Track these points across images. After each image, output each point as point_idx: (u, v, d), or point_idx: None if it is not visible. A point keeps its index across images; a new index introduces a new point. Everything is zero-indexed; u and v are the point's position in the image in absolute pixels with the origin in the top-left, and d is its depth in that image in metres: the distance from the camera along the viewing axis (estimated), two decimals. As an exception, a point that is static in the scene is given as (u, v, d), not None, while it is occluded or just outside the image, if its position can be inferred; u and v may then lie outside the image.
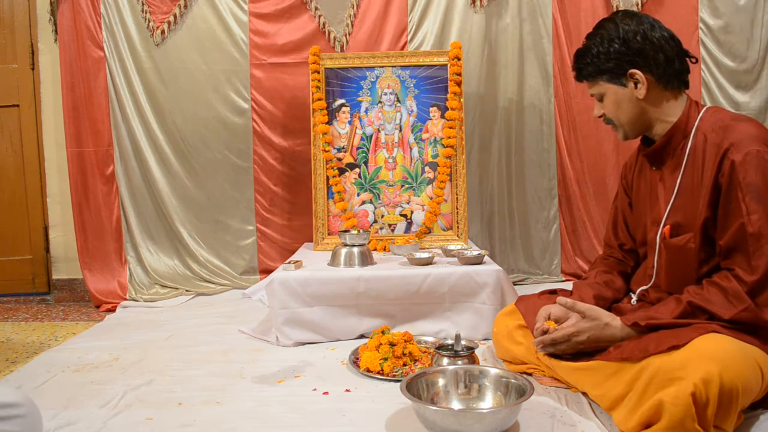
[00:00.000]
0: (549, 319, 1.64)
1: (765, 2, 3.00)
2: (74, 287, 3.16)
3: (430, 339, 2.14)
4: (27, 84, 3.13)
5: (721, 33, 2.99)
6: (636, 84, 1.55)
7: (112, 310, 2.89)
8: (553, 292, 1.83)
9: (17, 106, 3.15)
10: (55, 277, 3.18)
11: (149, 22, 3.00)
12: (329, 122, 2.79)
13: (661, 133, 1.59)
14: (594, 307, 1.55)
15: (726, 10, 2.99)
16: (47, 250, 3.20)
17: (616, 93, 1.58)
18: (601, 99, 1.62)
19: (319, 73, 2.77)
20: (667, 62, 1.54)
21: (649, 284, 1.65)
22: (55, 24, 3.00)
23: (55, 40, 3.01)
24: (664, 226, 1.57)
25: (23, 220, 3.21)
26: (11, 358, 2.20)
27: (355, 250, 2.37)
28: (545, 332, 1.61)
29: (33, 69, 3.12)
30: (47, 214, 3.16)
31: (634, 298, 1.69)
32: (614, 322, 1.50)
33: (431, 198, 2.76)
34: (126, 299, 2.97)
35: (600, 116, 1.65)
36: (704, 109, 1.56)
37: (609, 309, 1.65)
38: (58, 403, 1.70)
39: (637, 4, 2.97)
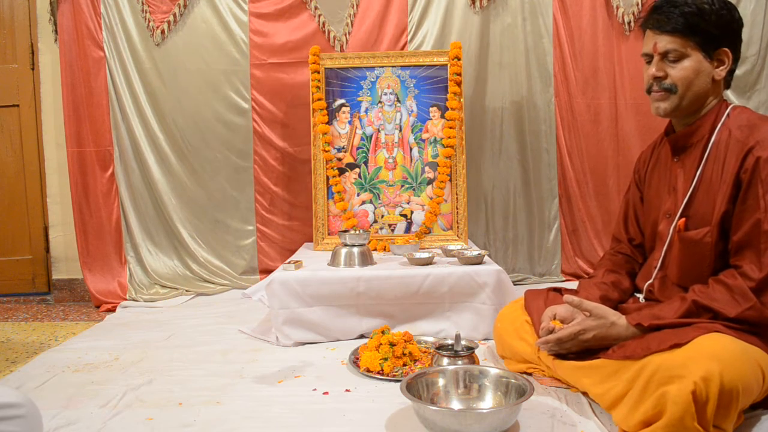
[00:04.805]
0: (555, 319, 1.64)
1: (766, 3, 3.00)
2: (74, 287, 3.16)
3: (430, 339, 2.14)
4: (27, 84, 3.13)
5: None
6: (720, 63, 1.53)
7: (112, 310, 2.89)
8: (558, 290, 1.82)
9: (17, 106, 3.15)
10: (55, 277, 3.18)
11: (149, 22, 3.00)
12: (329, 122, 2.79)
13: (692, 121, 1.58)
14: (600, 305, 1.55)
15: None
16: (47, 250, 3.20)
17: (700, 62, 1.51)
18: (675, 59, 1.51)
19: (319, 73, 2.77)
20: (738, 57, 1.55)
21: (653, 277, 1.64)
22: (55, 24, 3.00)
23: (55, 40, 3.01)
24: (679, 218, 1.56)
25: (23, 220, 3.21)
26: (11, 358, 2.20)
27: (355, 250, 2.37)
28: (550, 331, 1.60)
29: (33, 69, 3.12)
30: (47, 214, 3.16)
31: (641, 296, 1.69)
32: (620, 321, 1.50)
33: (431, 198, 2.76)
34: (126, 299, 2.97)
35: (657, 77, 1.53)
36: (731, 106, 1.56)
37: (615, 309, 1.65)
38: (58, 403, 1.69)
39: (638, 4, 2.97)
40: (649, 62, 1.58)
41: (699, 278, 1.50)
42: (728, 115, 1.54)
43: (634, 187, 1.82)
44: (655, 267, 1.64)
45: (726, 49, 1.52)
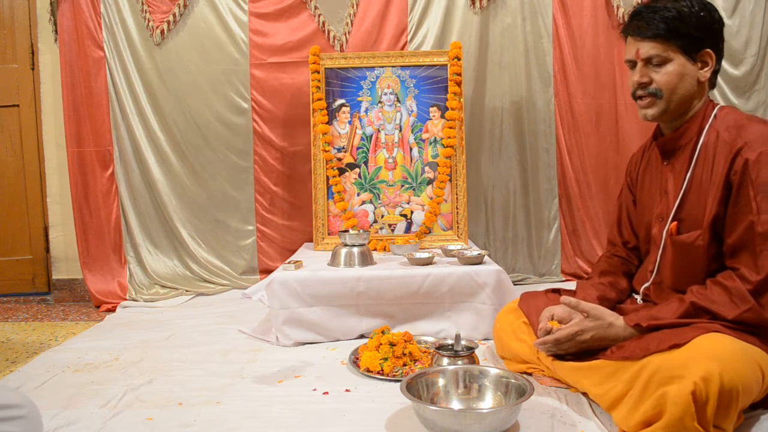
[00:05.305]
0: (552, 319, 1.64)
1: (766, 3, 3.00)
2: (74, 287, 3.16)
3: (430, 339, 2.15)
4: (27, 84, 3.13)
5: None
6: (704, 65, 1.53)
7: (112, 310, 2.89)
8: (557, 291, 1.82)
9: (17, 106, 3.15)
10: (55, 277, 3.18)
11: (149, 21, 3.00)
12: (329, 122, 2.79)
13: (679, 124, 1.58)
14: (598, 306, 1.55)
15: (724, 11, 2.99)
16: (47, 250, 3.20)
17: (683, 65, 1.51)
18: (658, 63, 1.51)
19: (319, 73, 2.77)
20: (722, 57, 1.55)
21: (650, 281, 1.65)
22: (55, 24, 3.00)
23: (55, 40, 3.01)
24: (671, 221, 1.57)
25: (23, 220, 3.21)
26: (11, 358, 2.20)
27: (355, 250, 2.37)
28: (548, 332, 1.60)
29: (33, 69, 3.12)
30: (47, 214, 3.16)
31: (639, 297, 1.69)
32: (618, 322, 1.50)
33: (431, 198, 2.76)
34: (126, 299, 2.97)
35: (641, 83, 1.54)
36: (718, 107, 1.56)
37: (612, 309, 1.65)
38: (58, 403, 1.70)
39: (638, 4, 2.97)
40: (633, 68, 1.58)
41: (693, 281, 1.50)
42: (715, 116, 1.54)
43: (627, 190, 1.82)
44: (651, 271, 1.64)
45: (709, 50, 1.52)
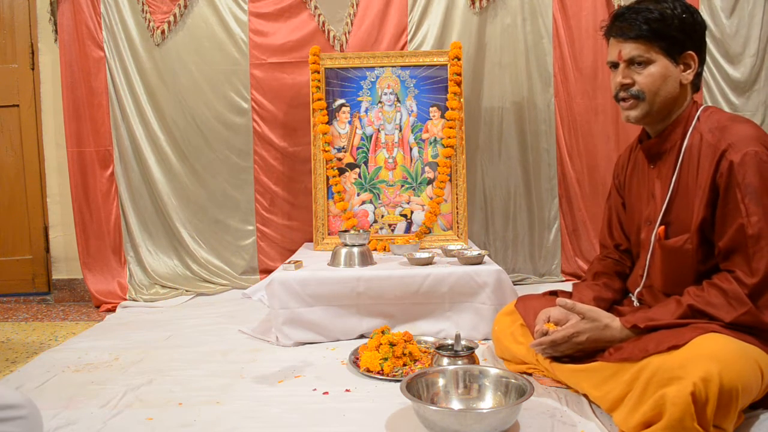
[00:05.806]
0: (548, 321, 1.64)
1: (765, 3, 3.00)
2: (74, 287, 3.16)
3: (430, 339, 2.14)
4: (27, 84, 3.13)
5: (719, 34, 2.99)
6: (687, 67, 1.53)
7: (112, 310, 2.89)
8: (554, 293, 1.82)
9: (17, 106, 3.15)
10: (55, 277, 3.18)
11: (149, 22, 3.00)
12: (329, 122, 2.79)
13: (663, 128, 1.58)
14: (594, 308, 1.55)
15: (724, 11, 2.99)
16: (47, 250, 3.20)
17: (666, 67, 1.51)
18: (640, 64, 1.51)
19: (319, 73, 2.77)
20: (704, 60, 1.56)
21: (641, 285, 1.65)
22: (55, 24, 3.00)
23: (55, 40, 3.01)
24: (659, 225, 1.57)
25: (23, 220, 3.21)
26: (11, 358, 2.20)
27: (355, 250, 2.37)
28: (544, 334, 1.60)
29: (33, 69, 3.12)
30: (47, 214, 3.16)
31: (635, 299, 1.69)
32: (614, 323, 1.50)
33: (431, 198, 2.76)
34: (126, 299, 2.97)
35: (624, 84, 1.53)
36: (701, 108, 1.56)
37: (609, 310, 1.65)
38: (58, 403, 1.70)
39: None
40: (614, 70, 1.58)
41: (684, 285, 1.50)
42: (698, 118, 1.54)
43: (615, 192, 1.82)
44: (641, 275, 1.65)
45: (691, 52, 1.52)
